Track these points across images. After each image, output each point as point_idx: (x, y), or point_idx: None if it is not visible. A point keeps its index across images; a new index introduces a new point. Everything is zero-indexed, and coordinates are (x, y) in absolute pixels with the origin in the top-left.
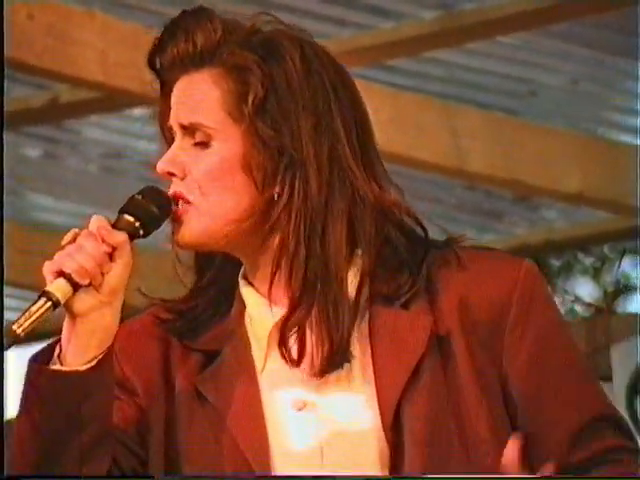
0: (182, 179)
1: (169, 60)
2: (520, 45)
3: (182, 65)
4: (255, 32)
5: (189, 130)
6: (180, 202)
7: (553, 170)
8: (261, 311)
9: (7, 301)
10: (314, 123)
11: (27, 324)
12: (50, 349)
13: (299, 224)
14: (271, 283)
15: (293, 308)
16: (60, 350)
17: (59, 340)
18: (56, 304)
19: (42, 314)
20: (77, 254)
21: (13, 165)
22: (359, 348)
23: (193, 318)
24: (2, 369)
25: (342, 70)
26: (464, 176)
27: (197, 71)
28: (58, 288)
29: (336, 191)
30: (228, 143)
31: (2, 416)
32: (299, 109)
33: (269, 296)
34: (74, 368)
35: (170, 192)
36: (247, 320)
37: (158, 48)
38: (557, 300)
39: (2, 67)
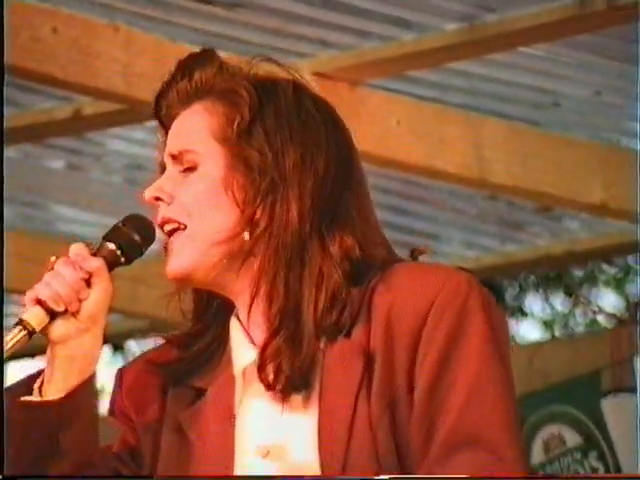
0: (169, 204)
1: (169, 101)
2: (542, 56)
3: (180, 103)
4: (252, 70)
5: (177, 158)
6: (168, 231)
7: (575, 181)
8: (241, 350)
9: None
10: (301, 154)
11: (7, 350)
12: (30, 380)
13: (277, 249)
14: (250, 307)
15: (273, 334)
16: (42, 381)
17: (41, 371)
18: (31, 332)
19: (17, 341)
20: (52, 281)
21: (37, 177)
22: (316, 378)
23: (190, 360)
24: (2, 371)
25: (334, 112)
26: (486, 187)
27: (192, 105)
28: (33, 316)
29: (313, 223)
30: (213, 165)
31: (2, 416)
32: (286, 138)
33: (248, 326)
34: (46, 399)
35: (159, 217)
36: (233, 359)
37: (161, 94)
38: (579, 311)
39: (2, 79)
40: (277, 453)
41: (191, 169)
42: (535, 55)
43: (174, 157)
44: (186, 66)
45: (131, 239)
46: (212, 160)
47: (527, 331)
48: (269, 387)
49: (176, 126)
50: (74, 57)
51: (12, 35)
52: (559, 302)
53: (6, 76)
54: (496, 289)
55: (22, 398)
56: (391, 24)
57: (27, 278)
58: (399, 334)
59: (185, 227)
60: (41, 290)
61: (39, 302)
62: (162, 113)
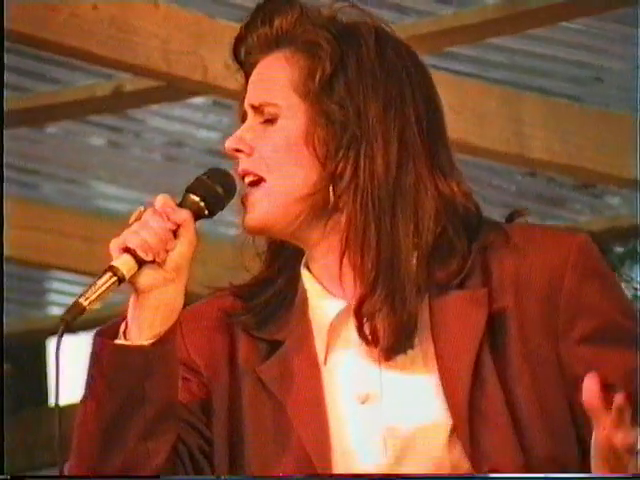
0: (249, 156)
1: (249, 46)
2: (583, 30)
3: (260, 49)
4: (333, 16)
5: (258, 110)
6: (248, 183)
7: (616, 157)
8: (322, 302)
9: (70, 287)
10: (384, 105)
11: (93, 297)
12: (116, 325)
13: (366, 202)
14: (340, 263)
15: (369, 290)
16: (125, 326)
17: (125, 317)
18: (121, 279)
19: (107, 288)
20: (142, 230)
21: (77, 154)
22: (420, 335)
23: (259, 310)
24: (1, 366)
25: (418, 60)
26: (526, 163)
27: (273, 53)
28: (123, 263)
29: (403, 173)
30: (293, 119)
31: (2, 417)
32: (369, 90)
33: (329, 278)
34: (137, 343)
35: (239, 169)
36: (310, 311)
37: (241, 37)
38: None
39: (2, 73)
40: (377, 398)
41: (271, 121)
42: (576, 29)
43: (255, 108)
44: (267, 10)
45: (215, 191)
46: (292, 113)
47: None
48: (369, 344)
49: (256, 75)
50: (113, 34)
51: (52, 12)
52: None
53: (48, 54)
54: None
55: (115, 341)
56: None
57: (66, 254)
58: (533, 292)
59: (264, 180)
60: (130, 239)
61: (128, 250)
62: (241, 58)
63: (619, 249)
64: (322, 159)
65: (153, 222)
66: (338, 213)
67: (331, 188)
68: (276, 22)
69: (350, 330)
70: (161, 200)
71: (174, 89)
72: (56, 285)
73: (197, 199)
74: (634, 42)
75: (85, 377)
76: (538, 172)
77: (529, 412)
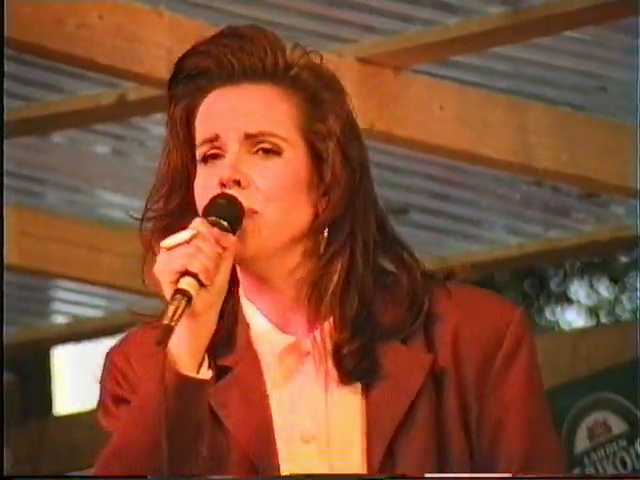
0: (244, 188)
1: (217, 68)
2: (588, 40)
3: (236, 76)
4: (306, 56)
5: (254, 139)
6: (247, 213)
7: (621, 166)
8: (268, 335)
9: (75, 296)
10: (365, 156)
11: (176, 318)
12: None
13: (355, 251)
14: (308, 300)
15: (351, 334)
16: (169, 354)
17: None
18: (190, 300)
19: (183, 310)
20: (200, 255)
21: (82, 162)
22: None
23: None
24: (1, 369)
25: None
26: (530, 172)
27: (257, 84)
28: (190, 285)
29: (381, 233)
30: (298, 156)
31: (2, 417)
32: (360, 149)
33: (289, 315)
34: (202, 377)
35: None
36: (255, 341)
37: (201, 56)
38: (625, 298)
39: (2, 76)
40: (321, 439)
41: (273, 152)
42: (580, 39)
43: (249, 136)
44: (251, 43)
45: (236, 216)
46: (296, 150)
47: (572, 318)
48: (343, 379)
49: (242, 103)
50: (119, 43)
51: (59, 22)
52: (604, 289)
53: (54, 63)
54: (540, 276)
55: (186, 373)
56: (435, 8)
57: (71, 262)
58: (470, 359)
59: (256, 212)
60: (190, 263)
61: (189, 274)
62: (184, 76)
63: (624, 259)
64: (322, 201)
65: (207, 247)
66: (335, 260)
67: (326, 231)
68: (269, 57)
69: (298, 365)
70: (204, 226)
71: None
72: (61, 294)
73: (225, 224)
74: (638, 52)
75: (147, 404)
76: (543, 181)
77: (460, 454)
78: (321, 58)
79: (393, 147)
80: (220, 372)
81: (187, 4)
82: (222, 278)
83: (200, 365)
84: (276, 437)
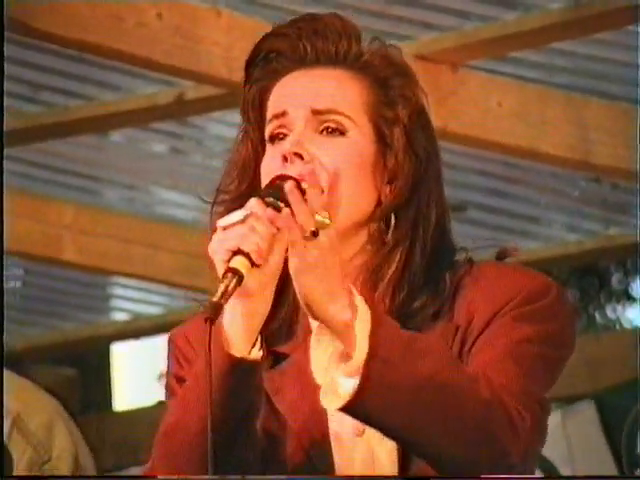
0: (306, 163)
1: (293, 52)
2: None
3: (310, 60)
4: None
5: (321, 116)
6: (302, 188)
7: None
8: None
9: (133, 293)
10: (435, 151)
11: (226, 296)
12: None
13: (421, 249)
14: (368, 288)
15: (397, 318)
16: (223, 335)
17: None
18: (241, 279)
19: (233, 288)
20: (253, 235)
21: (140, 161)
22: None
23: (276, 327)
24: (1, 366)
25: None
26: (589, 169)
27: (332, 68)
28: (241, 264)
29: (439, 231)
30: (363, 137)
31: (1, 417)
32: (430, 142)
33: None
34: (251, 358)
35: (294, 173)
36: (312, 328)
37: (282, 39)
38: None
39: (2, 78)
40: (370, 434)
41: (338, 131)
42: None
43: (316, 112)
44: (328, 29)
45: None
46: (362, 132)
47: (633, 316)
48: None
49: (313, 81)
50: (177, 42)
51: (118, 21)
52: None
53: (112, 62)
54: (601, 273)
55: (233, 353)
56: (493, 4)
57: (129, 260)
58: (475, 325)
59: (322, 191)
60: (243, 242)
61: (241, 253)
62: (262, 58)
63: None
64: (386, 188)
65: (260, 227)
66: (376, 244)
67: (393, 218)
68: (343, 43)
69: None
70: (259, 205)
71: (235, 96)
72: (119, 291)
73: (283, 205)
74: None
75: (198, 387)
76: (602, 178)
77: None
78: (400, 52)
79: (450, 144)
80: (278, 358)
81: (245, 2)
82: (276, 259)
83: (253, 346)
84: (330, 429)
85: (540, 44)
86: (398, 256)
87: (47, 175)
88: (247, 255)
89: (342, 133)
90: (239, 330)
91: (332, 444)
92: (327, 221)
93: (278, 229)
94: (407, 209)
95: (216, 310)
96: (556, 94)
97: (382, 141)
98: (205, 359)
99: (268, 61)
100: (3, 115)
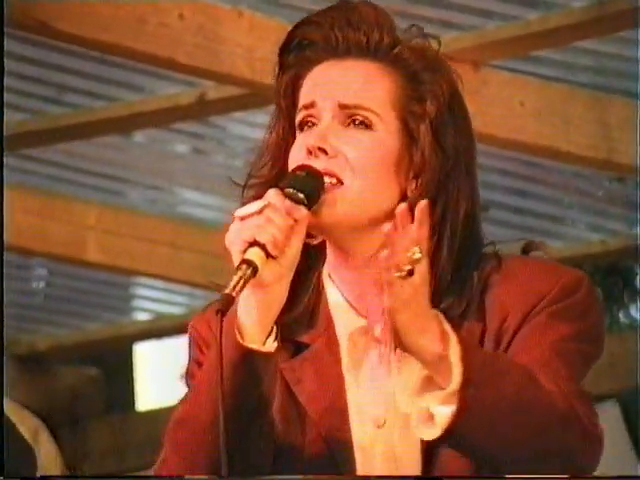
0: (331, 157)
1: (324, 42)
2: None
3: (341, 51)
4: (422, 42)
5: (347, 110)
6: (330, 180)
7: None
8: (345, 316)
9: (156, 293)
10: (468, 159)
11: (238, 288)
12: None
13: (450, 250)
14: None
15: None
16: (237, 326)
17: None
18: (255, 271)
19: (247, 280)
20: (268, 226)
21: (162, 161)
22: None
23: (296, 317)
24: (2, 367)
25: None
26: (613, 168)
27: (362, 60)
28: (256, 256)
29: (469, 231)
30: (390, 134)
31: (2, 417)
32: (462, 139)
33: (365, 296)
34: (265, 349)
35: (320, 168)
36: (336, 322)
37: (314, 27)
38: None
39: (2, 81)
40: (391, 426)
41: (364, 126)
42: None
43: (343, 106)
44: (361, 19)
45: (314, 187)
46: (389, 128)
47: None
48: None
49: (344, 74)
50: (199, 42)
51: (140, 22)
52: None
53: (135, 62)
54: (625, 273)
55: (252, 346)
56: (515, 3)
57: (152, 260)
58: (510, 323)
59: (342, 183)
60: (260, 234)
61: (257, 244)
62: (295, 46)
63: None
64: (412, 183)
65: (277, 218)
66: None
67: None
68: (375, 34)
69: (368, 349)
70: (277, 197)
71: (257, 96)
72: (142, 291)
73: (301, 196)
74: None
75: (210, 379)
76: (626, 177)
77: None
78: (439, 43)
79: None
80: (299, 348)
81: (267, 3)
82: (293, 251)
83: (268, 336)
84: (351, 418)
85: (562, 43)
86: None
87: (71, 176)
88: (263, 246)
89: (369, 127)
90: (253, 321)
91: (352, 435)
92: (419, 255)
93: (296, 221)
94: (434, 205)
95: (227, 302)
96: (579, 93)
97: (409, 136)
98: (216, 350)
99: (301, 49)
100: (3, 116)
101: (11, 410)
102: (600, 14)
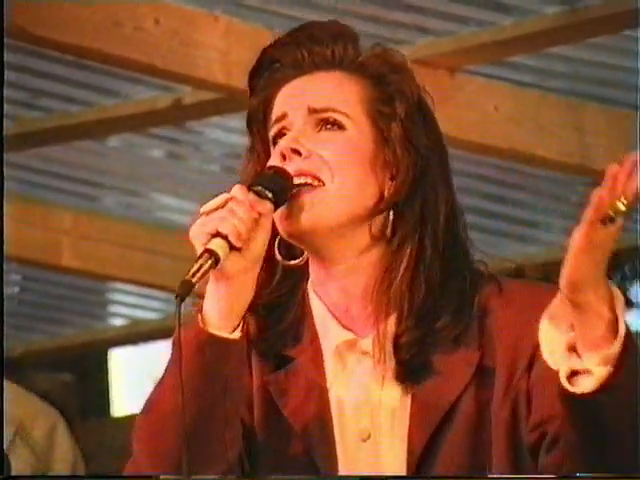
0: (305, 158)
1: (292, 60)
2: None
3: (307, 66)
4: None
5: (318, 114)
6: (301, 184)
7: None
8: (329, 328)
9: (132, 299)
10: (440, 155)
11: (198, 275)
12: (196, 319)
13: (432, 242)
14: (371, 292)
15: (412, 324)
16: (201, 317)
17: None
18: (217, 261)
19: (207, 269)
20: (231, 218)
21: (138, 166)
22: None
23: (273, 336)
24: (2, 369)
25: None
26: (587, 173)
27: (327, 72)
28: (218, 246)
29: (452, 226)
30: (362, 134)
31: (2, 417)
32: (431, 134)
33: (348, 307)
34: (232, 336)
35: (292, 169)
36: (319, 333)
37: (282, 48)
38: None
39: (2, 82)
40: (377, 436)
41: (335, 127)
42: (637, 37)
43: (313, 111)
44: (325, 34)
45: (281, 186)
46: (360, 128)
47: (632, 320)
48: (398, 373)
49: (312, 83)
50: (175, 47)
51: (116, 26)
52: None
53: (110, 67)
54: None
55: (214, 332)
56: (490, 9)
57: (127, 265)
58: (522, 356)
59: (323, 184)
60: (223, 225)
61: (219, 235)
62: (265, 67)
63: None
64: (389, 183)
65: (240, 211)
66: (404, 244)
67: (392, 213)
68: (339, 47)
69: (355, 362)
70: (241, 190)
71: (233, 101)
72: (118, 296)
73: (268, 193)
74: None
75: (172, 372)
76: (600, 182)
77: (497, 447)
78: (400, 54)
79: (448, 148)
80: (283, 361)
81: (243, 8)
82: (258, 245)
83: (235, 329)
84: (334, 432)
85: (536, 49)
86: (408, 251)
87: (45, 180)
88: (225, 237)
89: (340, 127)
90: (217, 311)
91: (337, 448)
92: (623, 208)
93: (260, 215)
94: (412, 204)
95: (186, 288)
96: (553, 99)
97: (381, 136)
98: (174, 337)
99: (270, 72)
100: (3, 122)
101: (28, 402)
102: (573, 21)
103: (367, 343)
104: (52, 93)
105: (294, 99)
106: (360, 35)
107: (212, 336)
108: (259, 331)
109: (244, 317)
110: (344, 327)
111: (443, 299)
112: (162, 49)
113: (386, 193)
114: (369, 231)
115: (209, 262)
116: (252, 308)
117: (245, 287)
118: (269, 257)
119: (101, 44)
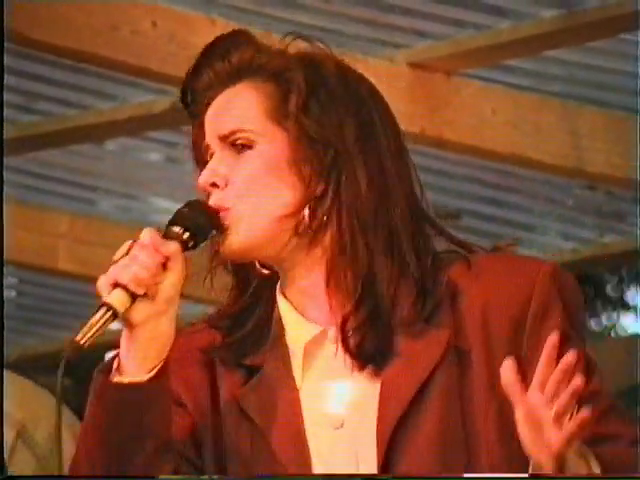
0: (222, 189)
1: (204, 85)
2: None
3: (218, 85)
4: (286, 47)
5: (228, 140)
6: (222, 213)
7: None
8: (298, 327)
9: None
10: (359, 130)
11: (90, 334)
12: (113, 361)
13: (352, 219)
14: (326, 283)
15: (356, 306)
16: (118, 363)
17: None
18: (115, 314)
19: (103, 324)
20: (132, 265)
21: (135, 169)
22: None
23: (237, 345)
24: (2, 371)
25: (374, 86)
26: (584, 176)
27: (234, 86)
28: (116, 298)
29: (383, 196)
30: (272, 144)
31: (2, 417)
32: (341, 110)
33: (315, 302)
34: (135, 379)
35: (214, 202)
36: (286, 336)
37: (193, 78)
38: None
39: (2, 83)
40: (350, 424)
41: (245, 147)
42: (634, 41)
43: (223, 138)
44: (222, 47)
45: (197, 222)
46: (269, 139)
47: (628, 324)
48: (353, 357)
49: (218, 108)
50: (172, 50)
51: (113, 30)
52: None
53: (107, 70)
54: (596, 281)
55: (114, 379)
56: (487, 12)
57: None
58: (500, 334)
59: (237, 210)
60: (121, 274)
61: (119, 285)
62: (192, 98)
63: None
64: (307, 179)
65: (143, 256)
66: (321, 234)
67: (307, 208)
68: (234, 56)
69: (325, 355)
70: (148, 234)
71: None
72: None
73: (180, 231)
74: None
75: (87, 412)
76: (597, 186)
77: (487, 443)
78: (319, 47)
79: (444, 152)
80: (250, 372)
81: (239, 11)
82: (166, 288)
83: (150, 371)
84: (307, 427)
85: (533, 52)
86: (327, 238)
87: (42, 184)
88: (124, 287)
89: (250, 147)
90: (131, 359)
91: (310, 447)
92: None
93: (166, 257)
94: (324, 195)
95: (74, 350)
96: (550, 102)
97: (292, 137)
98: (57, 397)
99: (191, 98)
100: (3, 127)
101: (32, 399)
102: (570, 24)
103: (333, 331)
104: (49, 97)
105: (210, 128)
106: (357, 38)
107: (122, 385)
108: (222, 339)
109: (167, 358)
110: (310, 321)
111: (400, 280)
112: (159, 52)
113: (308, 189)
114: (296, 231)
115: (106, 317)
116: (220, 319)
117: (160, 331)
118: (244, 267)
119: (98, 47)
